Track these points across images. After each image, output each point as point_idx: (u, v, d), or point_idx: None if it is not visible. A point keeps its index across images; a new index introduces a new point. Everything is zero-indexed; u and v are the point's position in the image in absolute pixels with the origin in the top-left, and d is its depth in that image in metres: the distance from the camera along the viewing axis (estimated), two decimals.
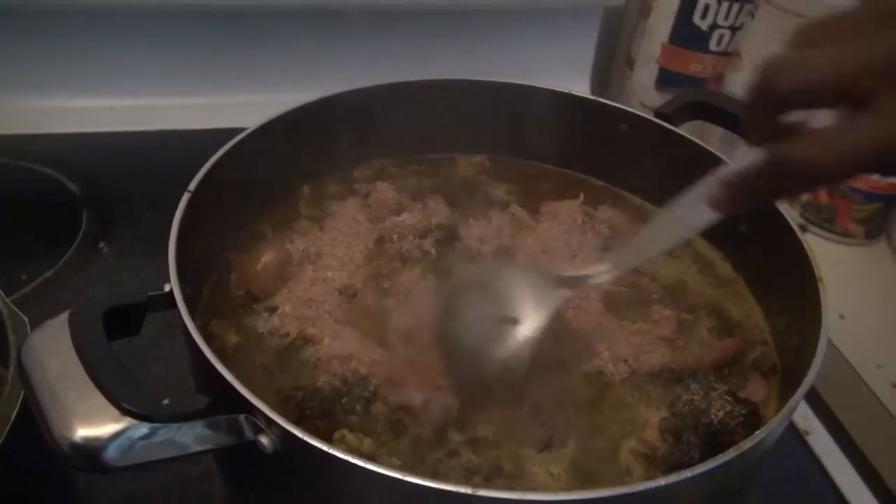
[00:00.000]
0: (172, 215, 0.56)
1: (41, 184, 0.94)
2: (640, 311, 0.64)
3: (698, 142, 0.71)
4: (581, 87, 1.17)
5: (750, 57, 1.03)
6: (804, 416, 0.78)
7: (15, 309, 0.57)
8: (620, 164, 0.77)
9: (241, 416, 0.44)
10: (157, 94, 1.07)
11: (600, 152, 0.78)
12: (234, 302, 0.63)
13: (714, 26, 1.05)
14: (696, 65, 1.09)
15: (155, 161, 0.97)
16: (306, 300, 0.62)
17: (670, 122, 0.73)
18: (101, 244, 0.88)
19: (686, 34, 1.07)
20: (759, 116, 0.43)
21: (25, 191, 0.93)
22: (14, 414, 0.49)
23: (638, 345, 0.61)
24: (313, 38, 1.07)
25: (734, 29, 1.05)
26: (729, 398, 0.56)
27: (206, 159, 0.61)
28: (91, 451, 0.42)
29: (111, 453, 0.42)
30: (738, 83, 1.05)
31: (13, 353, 0.54)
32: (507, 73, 0.77)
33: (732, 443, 0.47)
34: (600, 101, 0.77)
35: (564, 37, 1.16)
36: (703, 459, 0.45)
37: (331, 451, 0.41)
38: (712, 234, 0.70)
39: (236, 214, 0.68)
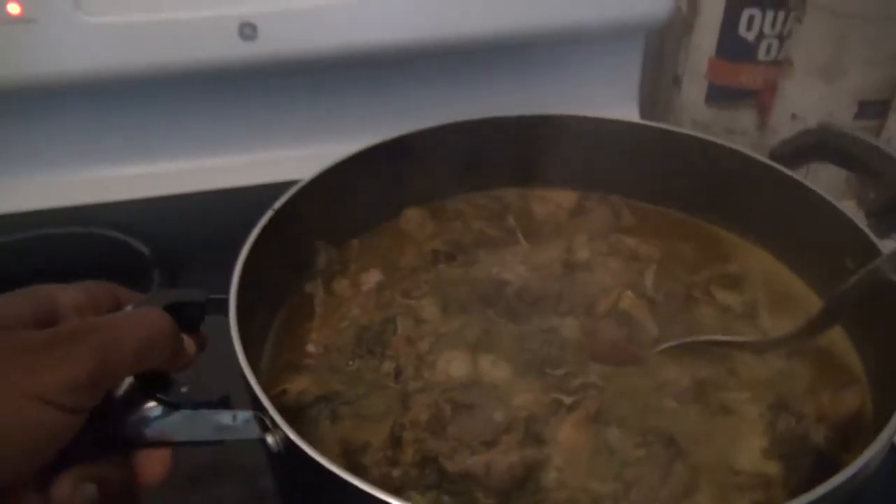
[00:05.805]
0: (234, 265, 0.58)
1: (113, 247, 0.98)
2: None
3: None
4: (630, 113, 1.16)
5: (801, 63, 1.01)
6: None
7: None
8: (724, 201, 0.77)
9: (251, 413, 0.46)
10: (209, 156, 1.11)
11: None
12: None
13: (761, 36, 1.04)
14: (745, 76, 1.07)
15: (215, 218, 1.00)
16: None
17: (788, 165, 0.69)
18: None
19: (733, 47, 1.06)
20: None
21: (99, 254, 0.97)
22: None
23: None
24: (358, 86, 1.09)
25: (782, 37, 1.03)
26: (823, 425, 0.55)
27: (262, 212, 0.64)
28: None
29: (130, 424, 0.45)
30: (791, 90, 1.02)
31: None
32: (552, 106, 0.78)
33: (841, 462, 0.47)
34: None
35: (608, 63, 1.15)
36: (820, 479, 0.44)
37: (330, 466, 0.42)
38: None
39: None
